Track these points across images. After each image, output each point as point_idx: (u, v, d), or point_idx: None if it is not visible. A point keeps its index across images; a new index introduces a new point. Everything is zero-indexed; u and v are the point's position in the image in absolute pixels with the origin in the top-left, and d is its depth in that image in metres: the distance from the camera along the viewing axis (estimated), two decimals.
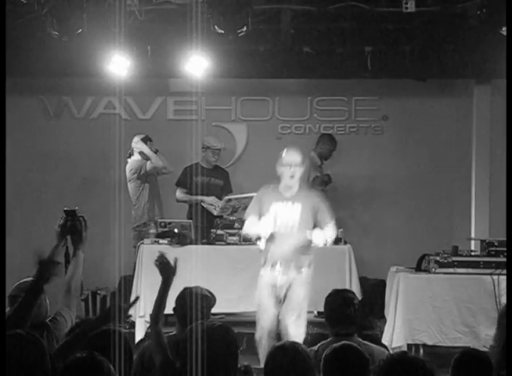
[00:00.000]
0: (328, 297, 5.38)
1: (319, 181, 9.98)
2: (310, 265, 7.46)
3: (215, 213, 9.35)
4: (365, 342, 5.17)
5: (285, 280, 7.38)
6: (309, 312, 9.16)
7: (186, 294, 5.34)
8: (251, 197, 9.29)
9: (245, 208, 9.38)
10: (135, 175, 9.53)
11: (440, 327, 8.16)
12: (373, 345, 5.25)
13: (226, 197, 9.29)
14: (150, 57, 8.99)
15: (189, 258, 8.27)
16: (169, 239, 8.79)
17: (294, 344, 4.08)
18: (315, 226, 7.35)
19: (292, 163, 7.34)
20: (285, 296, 7.42)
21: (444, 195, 10.84)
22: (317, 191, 8.05)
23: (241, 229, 9.26)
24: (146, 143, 9.59)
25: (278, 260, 7.35)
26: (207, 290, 5.67)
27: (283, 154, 7.44)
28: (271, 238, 7.41)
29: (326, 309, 5.35)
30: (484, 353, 4.45)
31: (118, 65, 8.67)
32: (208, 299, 5.52)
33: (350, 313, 5.18)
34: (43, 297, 4.80)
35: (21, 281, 4.98)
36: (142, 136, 9.66)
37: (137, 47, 8.73)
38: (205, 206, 9.59)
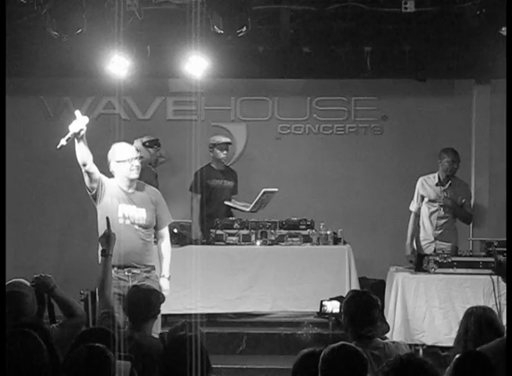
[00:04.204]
0: (351, 299, 5.18)
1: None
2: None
3: (247, 209, 9.31)
4: (387, 342, 5.16)
5: None
6: (309, 312, 9.20)
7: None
8: (274, 192, 9.32)
9: (266, 204, 9.39)
10: None
11: (440, 327, 8.17)
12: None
13: (263, 190, 9.19)
14: (150, 57, 8.99)
15: (189, 258, 8.28)
16: None
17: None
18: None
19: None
20: None
21: None
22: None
23: (240, 229, 9.27)
24: (151, 147, 9.60)
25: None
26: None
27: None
28: None
29: (350, 310, 5.11)
30: (485, 354, 4.44)
31: (118, 65, 8.67)
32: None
33: (375, 315, 5.09)
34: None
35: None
36: (149, 139, 9.63)
37: (136, 47, 8.73)
38: (232, 205, 9.57)
